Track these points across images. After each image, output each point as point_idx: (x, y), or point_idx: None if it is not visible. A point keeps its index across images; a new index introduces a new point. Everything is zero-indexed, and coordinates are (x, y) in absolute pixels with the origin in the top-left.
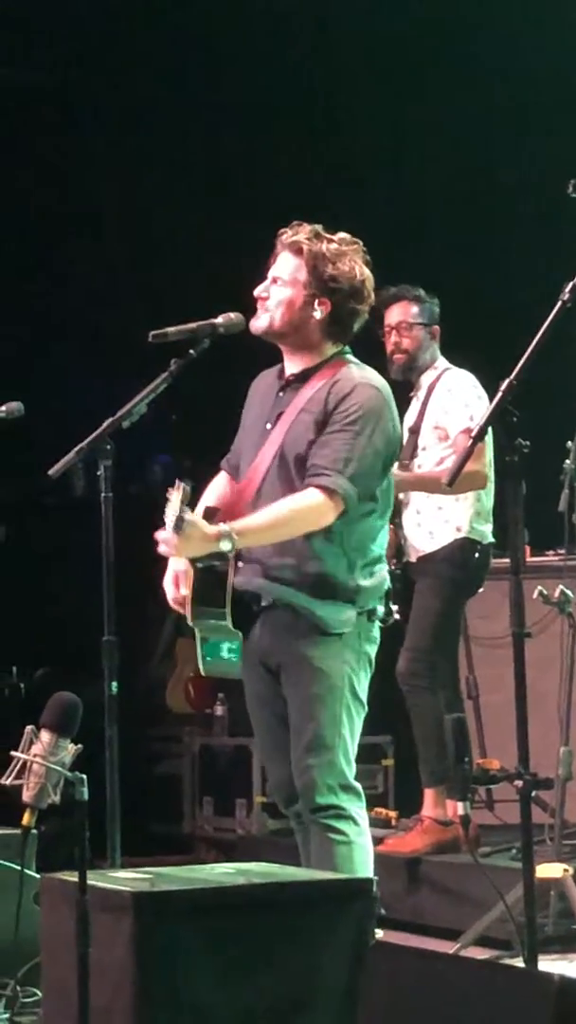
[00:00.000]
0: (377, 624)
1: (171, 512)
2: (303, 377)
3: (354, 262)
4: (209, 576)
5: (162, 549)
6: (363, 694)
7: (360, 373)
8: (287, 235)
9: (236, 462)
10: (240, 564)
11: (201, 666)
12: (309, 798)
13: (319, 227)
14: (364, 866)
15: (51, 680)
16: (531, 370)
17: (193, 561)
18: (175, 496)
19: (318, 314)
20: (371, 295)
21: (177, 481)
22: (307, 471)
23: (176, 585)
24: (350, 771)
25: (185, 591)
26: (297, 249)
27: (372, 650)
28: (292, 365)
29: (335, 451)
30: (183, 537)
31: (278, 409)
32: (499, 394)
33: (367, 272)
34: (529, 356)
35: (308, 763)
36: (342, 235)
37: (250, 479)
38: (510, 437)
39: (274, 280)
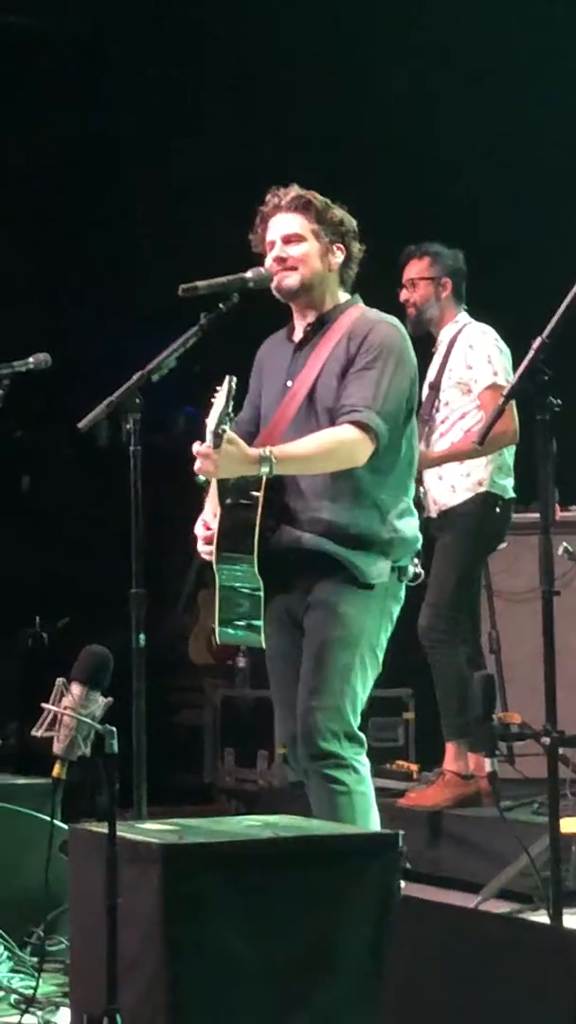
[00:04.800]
0: (405, 583)
1: (214, 416)
2: (319, 326)
3: (339, 208)
4: (238, 517)
5: (198, 466)
6: (380, 651)
7: (376, 314)
8: (276, 199)
9: (245, 430)
10: (279, 523)
11: (216, 635)
12: (311, 743)
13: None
14: (365, 815)
15: (74, 630)
16: (563, 328)
17: (222, 500)
18: (221, 395)
19: (336, 259)
20: None
21: (227, 377)
22: (338, 410)
23: (207, 528)
24: (355, 720)
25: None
26: (303, 205)
27: (396, 609)
28: (307, 318)
29: (364, 388)
30: (223, 454)
31: (298, 365)
32: (531, 352)
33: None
34: (563, 314)
35: (312, 705)
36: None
37: (273, 428)
38: (541, 395)
39: (287, 239)
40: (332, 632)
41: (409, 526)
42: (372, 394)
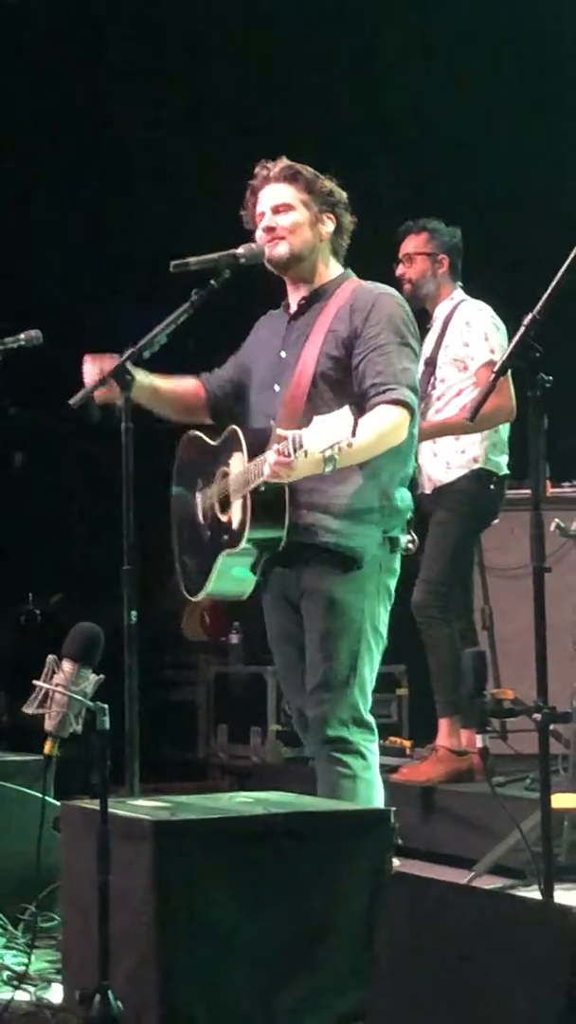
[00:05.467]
0: (398, 555)
1: (324, 440)
2: (314, 299)
3: (330, 180)
4: (268, 495)
5: (271, 471)
6: (383, 627)
7: (373, 285)
8: (264, 171)
9: (218, 383)
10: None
11: (209, 587)
12: (319, 730)
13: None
14: (368, 800)
15: (67, 606)
16: (553, 304)
17: (256, 489)
18: (345, 420)
19: (327, 229)
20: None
21: (348, 407)
22: (369, 391)
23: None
24: (365, 704)
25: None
26: (291, 175)
27: (392, 582)
28: (300, 291)
29: (389, 364)
30: (298, 461)
31: (295, 335)
32: (522, 328)
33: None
34: (553, 291)
35: (322, 697)
36: None
37: (290, 410)
38: (532, 372)
39: (276, 209)
40: (333, 623)
41: (403, 496)
42: (398, 369)
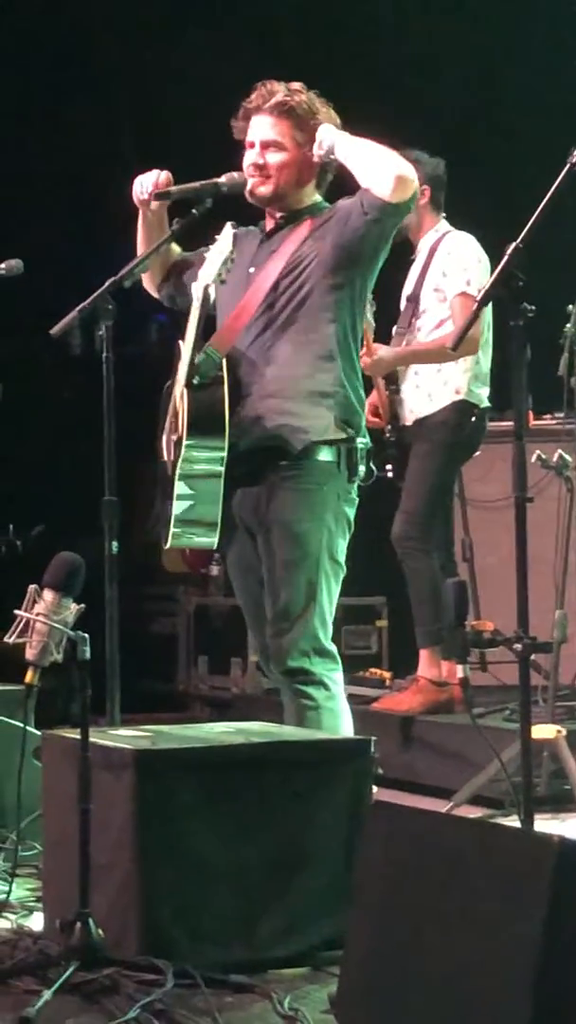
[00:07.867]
0: (356, 485)
1: (214, 266)
2: (288, 220)
3: (326, 107)
4: (204, 400)
5: None
6: (341, 556)
7: None
8: (260, 99)
9: (175, 260)
10: (237, 401)
11: (168, 538)
12: (280, 662)
13: (283, 84)
14: (333, 730)
15: (47, 538)
16: (537, 234)
17: (189, 382)
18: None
19: (314, 169)
20: None
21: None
22: None
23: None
24: (325, 634)
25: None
26: (283, 111)
27: (351, 511)
28: (276, 215)
29: None
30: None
31: (263, 254)
32: (505, 258)
33: (334, 113)
34: (536, 220)
35: (281, 627)
36: (295, 85)
37: (242, 309)
38: (516, 302)
39: (265, 146)
40: (291, 553)
41: (356, 388)
42: None
